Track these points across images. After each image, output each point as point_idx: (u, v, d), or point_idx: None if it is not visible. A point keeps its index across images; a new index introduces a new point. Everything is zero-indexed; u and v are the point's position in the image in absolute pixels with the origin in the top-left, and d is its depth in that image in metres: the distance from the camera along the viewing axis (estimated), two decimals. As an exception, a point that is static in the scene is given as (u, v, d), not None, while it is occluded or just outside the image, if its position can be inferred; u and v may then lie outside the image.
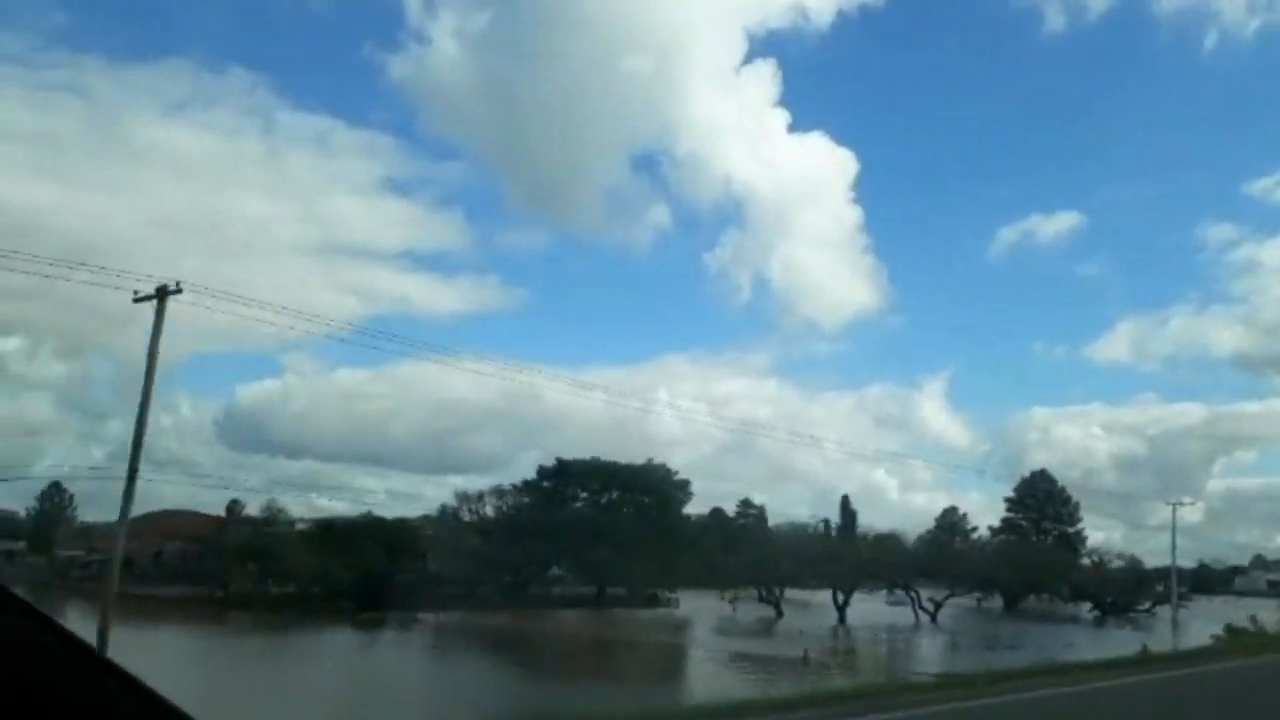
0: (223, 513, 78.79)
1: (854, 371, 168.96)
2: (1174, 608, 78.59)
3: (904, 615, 72.79)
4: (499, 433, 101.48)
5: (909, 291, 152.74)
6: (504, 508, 77.19)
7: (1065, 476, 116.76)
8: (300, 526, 77.01)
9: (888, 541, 79.29)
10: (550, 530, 70.48)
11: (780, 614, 70.82)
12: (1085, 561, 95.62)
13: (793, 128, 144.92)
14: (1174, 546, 79.75)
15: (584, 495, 77.65)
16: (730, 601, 70.68)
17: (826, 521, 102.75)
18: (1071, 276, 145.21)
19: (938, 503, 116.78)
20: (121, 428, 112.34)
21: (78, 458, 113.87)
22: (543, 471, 77.11)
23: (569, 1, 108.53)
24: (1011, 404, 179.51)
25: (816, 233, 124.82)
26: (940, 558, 78.93)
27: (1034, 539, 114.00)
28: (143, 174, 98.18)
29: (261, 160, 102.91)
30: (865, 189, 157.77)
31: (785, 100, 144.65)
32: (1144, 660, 32.35)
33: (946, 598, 74.49)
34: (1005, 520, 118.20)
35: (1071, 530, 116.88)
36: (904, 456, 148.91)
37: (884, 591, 76.33)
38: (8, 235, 72.32)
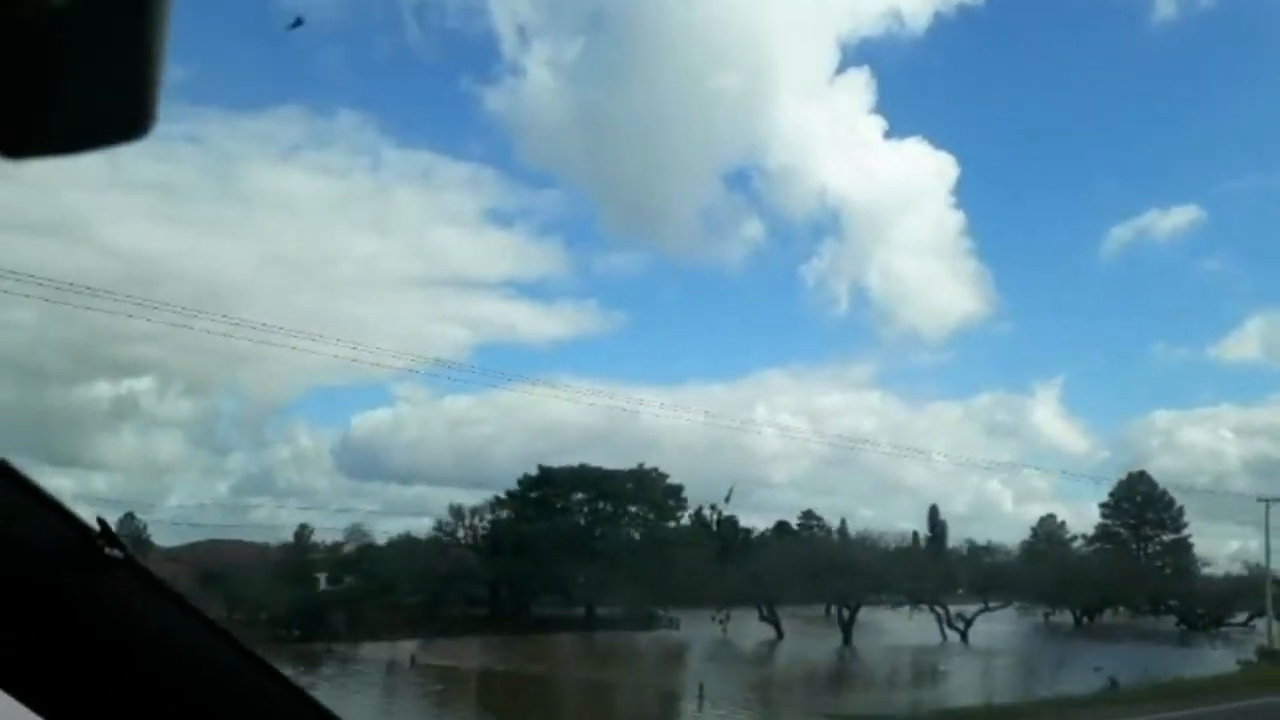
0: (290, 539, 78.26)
1: (960, 380, 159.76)
2: (1269, 622, 66.90)
3: (933, 633, 63.24)
4: (600, 452, 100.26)
5: (1017, 296, 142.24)
6: (493, 521, 70.81)
7: (1193, 482, 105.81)
8: (347, 549, 74.38)
9: (983, 553, 72.78)
10: (530, 544, 63.79)
11: (781, 634, 62.20)
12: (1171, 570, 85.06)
13: (889, 134, 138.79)
14: (1268, 551, 67.89)
15: (563, 505, 70.21)
16: (721, 622, 62.27)
17: (915, 534, 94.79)
18: (1192, 273, 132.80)
19: (1056, 514, 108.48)
20: (243, 461, 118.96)
21: (203, 491, 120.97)
22: (525, 481, 70.02)
23: (658, 25, 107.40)
24: (1131, 409, 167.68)
25: (917, 239, 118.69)
26: (984, 569, 69.49)
27: (1133, 546, 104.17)
28: (259, 217, 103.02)
29: (369, 197, 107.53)
30: (967, 193, 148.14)
31: (880, 107, 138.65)
32: (1112, 699, 23.68)
33: (978, 612, 64.44)
34: (1099, 527, 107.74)
35: (1176, 536, 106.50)
36: (1013, 465, 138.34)
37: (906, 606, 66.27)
38: (141, 283, 75.87)
